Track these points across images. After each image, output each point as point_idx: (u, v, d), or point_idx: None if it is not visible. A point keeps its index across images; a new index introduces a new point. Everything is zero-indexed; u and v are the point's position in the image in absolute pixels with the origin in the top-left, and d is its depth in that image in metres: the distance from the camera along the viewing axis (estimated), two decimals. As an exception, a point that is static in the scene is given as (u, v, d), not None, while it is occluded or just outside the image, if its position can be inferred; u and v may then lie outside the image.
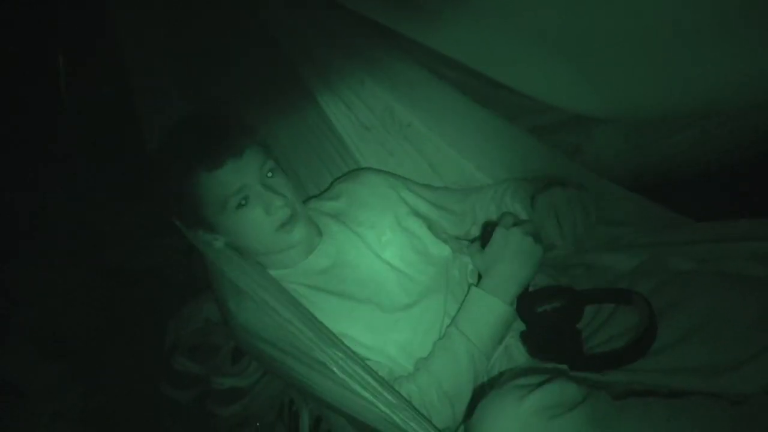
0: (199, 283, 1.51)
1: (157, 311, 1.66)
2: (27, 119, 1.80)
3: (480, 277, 0.98)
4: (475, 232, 1.15)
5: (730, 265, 0.98)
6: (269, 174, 0.98)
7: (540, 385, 0.72)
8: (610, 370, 0.88)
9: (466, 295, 0.99)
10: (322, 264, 1.04)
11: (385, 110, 1.30)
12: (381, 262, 1.04)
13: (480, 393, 0.89)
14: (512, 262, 0.93)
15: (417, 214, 1.14)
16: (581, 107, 1.13)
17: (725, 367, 0.83)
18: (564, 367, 0.90)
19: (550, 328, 0.93)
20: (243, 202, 0.94)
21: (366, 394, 0.80)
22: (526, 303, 0.95)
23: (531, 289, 0.97)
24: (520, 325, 0.97)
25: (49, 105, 1.80)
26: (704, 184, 1.16)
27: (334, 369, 0.83)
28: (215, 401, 1.40)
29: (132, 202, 1.79)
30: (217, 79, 1.26)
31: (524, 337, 0.95)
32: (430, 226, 1.12)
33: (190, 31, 1.29)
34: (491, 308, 0.92)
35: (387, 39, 1.29)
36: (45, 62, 1.76)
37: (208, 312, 1.46)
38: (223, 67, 1.27)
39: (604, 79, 1.01)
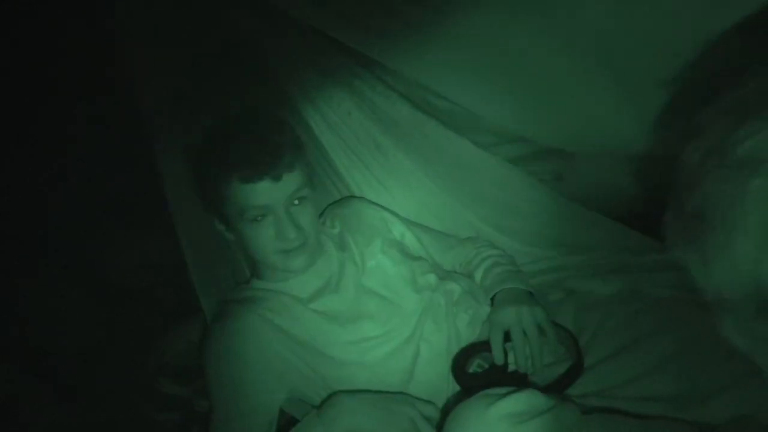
0: (191, 304, 1.52)
1: (149, 331, 1.67)
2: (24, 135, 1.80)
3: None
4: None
5: (704, 294, 1.00)
6: (296, 202, 0.99)
7: (509, 394, 0.75)
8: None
9: (448, 322, 1.04)
10: (315, 284, 1.08)
11: (372, 143, 1.32)
12: (363, 288, 1.08)
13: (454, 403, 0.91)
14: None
15: (403, 245, 1.18)
16: (542, 139, 1.19)
17: (695, 399, 0.85)
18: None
19: (487, 386, 0.92)
20: (259, 218, 0.96)
21: None
22: (457, 370, 0.98)
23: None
24: None
25: (48, 123, 1.81)
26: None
27: None
28: (201, 424, 1.41)
29: (125, 221, 1.81)
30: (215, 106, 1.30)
31: None
32: (415, 258, 1.17)
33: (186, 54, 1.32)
34: None
35: (370, 69, 1.33)
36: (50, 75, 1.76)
37: (193, 334, 1.47)
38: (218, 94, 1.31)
39: (548, 113, 1.07)
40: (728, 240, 0.33)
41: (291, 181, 0.97)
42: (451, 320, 1.07)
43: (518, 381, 0.93)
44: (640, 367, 0.91)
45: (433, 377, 1.01)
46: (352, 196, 1.31)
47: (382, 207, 1.25)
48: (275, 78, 1.36)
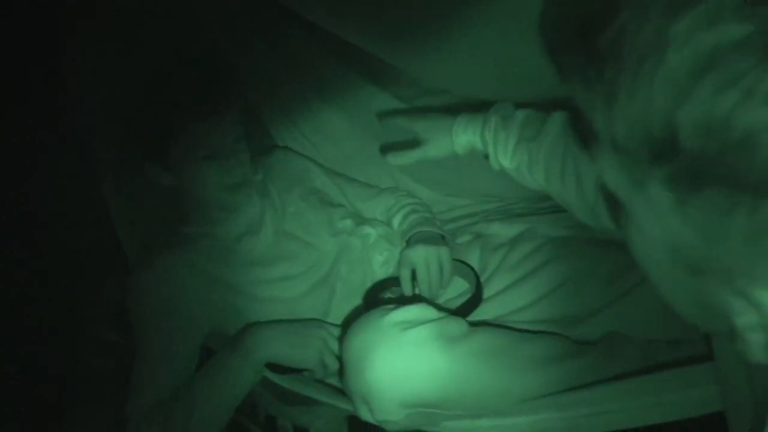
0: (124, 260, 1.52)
1: (81, 287, 1.66)
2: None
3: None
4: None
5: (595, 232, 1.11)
6: (238, 139, 1.04)
7: (401, 306, 0.84)
8: None
9: (363, 263, 1.12)
10: (238, 227, 1.12)
11: (299, 99, 1.36)
12: (283, 231, 1.14)
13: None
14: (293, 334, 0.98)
15: (323, 194, 1.24)
16: (461, 90, 1.25)
17: (578, 318, 0.96)
18: None
19: None
20: (209, 155, 1.00)
21: None
22: (369, 301, 1.05)
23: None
24: None
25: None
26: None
27: None
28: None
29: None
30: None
31: None
32: (335, 205, 1.23)
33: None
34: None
35: (293, 24, 1.34)
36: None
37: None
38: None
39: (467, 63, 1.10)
40: (644, 84, 0.31)
41: (235, 119, 1.03)
42: (366, 261, 1.15)
43: None
44: (533, 294, 1.02)
45: (348, 314, 1.08)
46: (276, 146, 1.35)
47: (306, 157, 1.31)
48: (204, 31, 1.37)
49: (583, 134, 0.39)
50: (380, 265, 1.17)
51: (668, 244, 0.36)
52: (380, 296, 1.07)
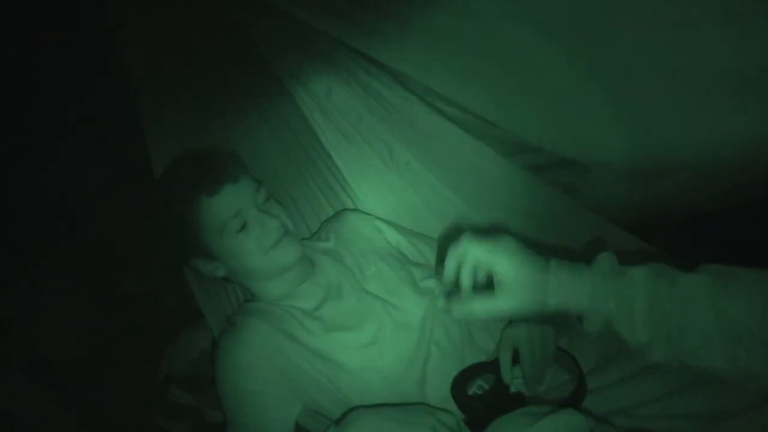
0: (195, 308, 1.51)
1: (152, 336, 1.66)
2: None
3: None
4: None
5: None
6: (263, 200, 1.04)
7: (549, 413, 0.76)
8: None
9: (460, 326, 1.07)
10: (316, 294, 1.09)
11: (384, 148, 1.31)
12: (366, 293, 1.09)
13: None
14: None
15: (400, 252, 1.20)
16: (553, 147, 1.18)
17: (726, 415, 0.85)
18: None
19: (487, 408, 0.93)
20: (242, 226, 1.00)
21: None
22: (456, 391, 0.96)
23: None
24: None
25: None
26: (691, 227, 1.18)
27: None
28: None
29: (126, 221, 1.78)
30: (221, 114, 1.28)
31: (467, 423, 0.95)
32: (413, 264, 1.18)
33: (189, 58, 1.30)
34: None
35: (386, 71, 1.31)
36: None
37: (206, 342, 1.46)
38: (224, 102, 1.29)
39: (556, 121, 1.09)
40: None
41: (248, 182, 1.03)
42: (462, 324, 1.09)
43: (518, 403, 0.92)
44: (664, 386, 0.92)
45: (446, 380, 1.00)
46: (346, 209, 1.31)
47: (375, 217, 1.26)
48: (279, 78, 1.34)
49: None
50: (478, 328, 1.10)
51: None
52: (470, 386, 0.98)
